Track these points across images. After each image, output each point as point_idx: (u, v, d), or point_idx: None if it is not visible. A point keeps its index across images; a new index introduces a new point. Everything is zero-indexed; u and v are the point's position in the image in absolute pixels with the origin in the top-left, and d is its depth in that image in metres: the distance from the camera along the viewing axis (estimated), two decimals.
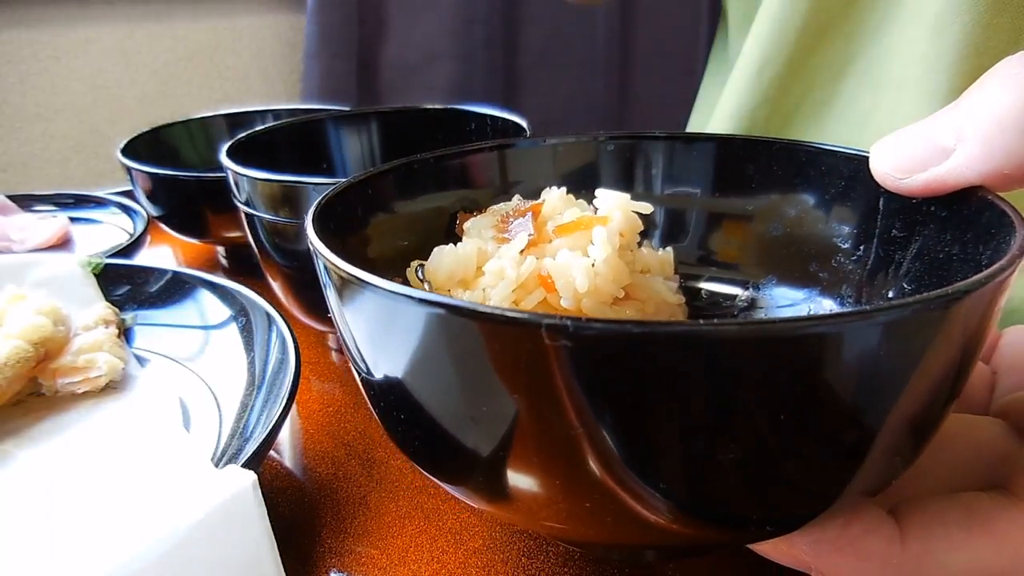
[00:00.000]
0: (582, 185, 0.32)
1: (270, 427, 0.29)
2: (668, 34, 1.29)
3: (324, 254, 0.21)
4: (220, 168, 0.41)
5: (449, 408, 0.20)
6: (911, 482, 0.24)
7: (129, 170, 0.57)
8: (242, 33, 1.15)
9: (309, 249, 0.22)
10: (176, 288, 0.43)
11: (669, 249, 0.31)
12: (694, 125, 0.74)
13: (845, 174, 0.29)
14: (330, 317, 0.24)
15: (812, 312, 0.30)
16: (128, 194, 0.64)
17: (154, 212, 0.58)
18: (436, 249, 0.28)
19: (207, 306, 0.41)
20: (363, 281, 0.19)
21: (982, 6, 0.41)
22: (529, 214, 0.28)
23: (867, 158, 0.26)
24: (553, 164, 0.34)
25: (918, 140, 0.24)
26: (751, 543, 0.23)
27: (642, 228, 0.29)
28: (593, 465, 0.18)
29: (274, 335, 0.36)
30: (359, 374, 0.23)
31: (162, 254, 0.66)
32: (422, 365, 0.19)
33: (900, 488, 0.23)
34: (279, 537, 0.25)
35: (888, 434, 0.19)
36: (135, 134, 0.64)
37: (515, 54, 1.25)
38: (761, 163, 0.31)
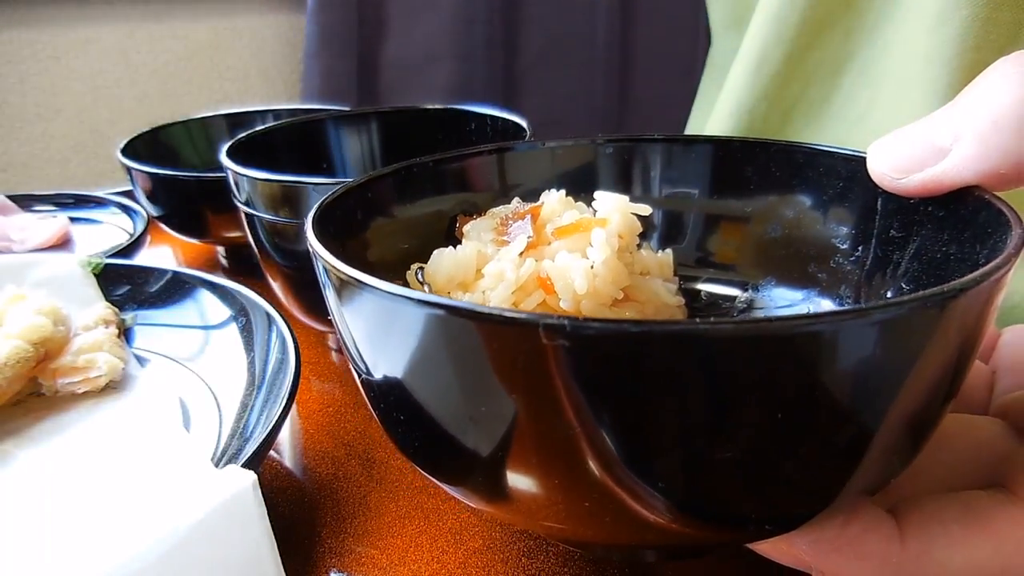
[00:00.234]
0: (581, 188, 0.32)
1: (270, 427, 0.29)
2: (668, 34, 1.29)
3: (324, 256, 0.21)
4: (220, 168, 0.41)
5: (448, 409, 0.20)
6: (910, 482, 0.24)
7: (129, 170, 0.57)
8: (242, 33, 1.15)
9: (309, 250, 0.22)
10: (176, 288, 0.43)
11: (668, 251, 0.31)
12: (693, 123, 0.74)
13: (843, 175, 0.29)
14: (330, 318, 0.24)
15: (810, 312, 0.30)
16: (128, 194, 0.64)
17: (154, 212, 0.58)
18: (436, 252, 0.28)
19: (207, 306, 0.41)
20: (362, 283, 0.19)
21: (981, 1, 0.41)
22: (528, 217, 0.29)
23: (864, 159, 0.26)
24: (552, 167, 0.34)
25: (915, 140, 0.24)
26: (750, 542, 0.23)
27: (641, 230, 0.29)
28: (592, 465, 0.18)
29: (274, 335, 0.36)
30: (359, 375, 0.23)
31: (162, 254, 0.66)
32: (422, 366, 0.20)
33: (899, 487, 0.23)
34: (279, 537, 0.25)
35: (886, 433, 0.19)
36: (135, 134, 0.64)
37: (515, 54, 1.25)
38: (759, 165, 0.31)
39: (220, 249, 0.64)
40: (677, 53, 1.29)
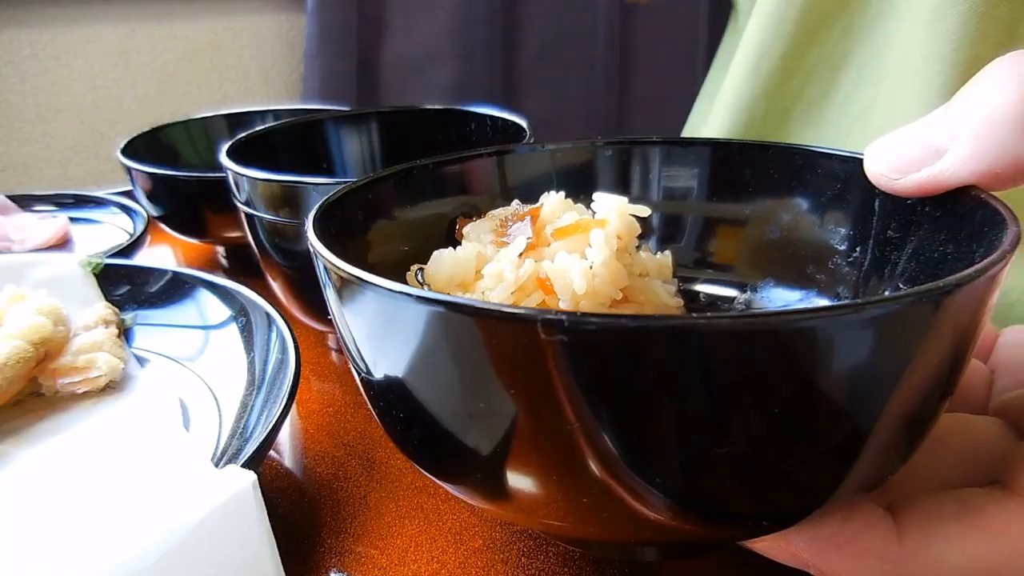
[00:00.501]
0: (580, 189, 0.32)
1: (270, 427, 0.29)
2: (668, 34, 1.29)
3: (325, 255, 0.21)
4: (220, 168, 0.41)
5: (448, 405, 0.20)
6: (909, 481, 0.24)
7: (129, 170, 0.57)
8: (242, 33, 1.15)
9: (309, 250, 0.22)
10: (176, 288, 0.43)
11: (667, 252, 0.31)
12: (695, 118, 0.74)
13: (840, 176, 0.29)
14: (330, 318, 0.24)
15: None
16: (128, 194, 0.64)
17: (154, 212, 0.58)
18: (436, 253, 0.28)
19: (207, 306, 0.41)
20: (363, 281, 0.19)
21: None
22: (528, 218, 0.29)
23: (862, 160, 0.26)
24: (551, 169, 0.34)
25: (912, 141, 0.24)
26: (749, 539, 0.23)
27: (640, 231, 0.29)
28: (590, 460, 0.18)
29: (274, 335, 0.36)
30: (359, 374, 0.23)
31: (162, 254, 0.66)
32: (421, 363, 0.20)
33: (898, 486, 0.23)
34: (279, 537, 0.25)
35: (883, 429, 0.19)
36: (135, 134, 0.64)
37: (515, 54, 1.25)
38: (757, 166, 0.32)
39: (220, 249, 0.64)
40: (677, 53, 1.30)
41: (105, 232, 0.63)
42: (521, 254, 0.27)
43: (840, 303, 0.19)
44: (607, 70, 1.29)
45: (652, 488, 0.18)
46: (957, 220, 0.24)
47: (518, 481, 0.20)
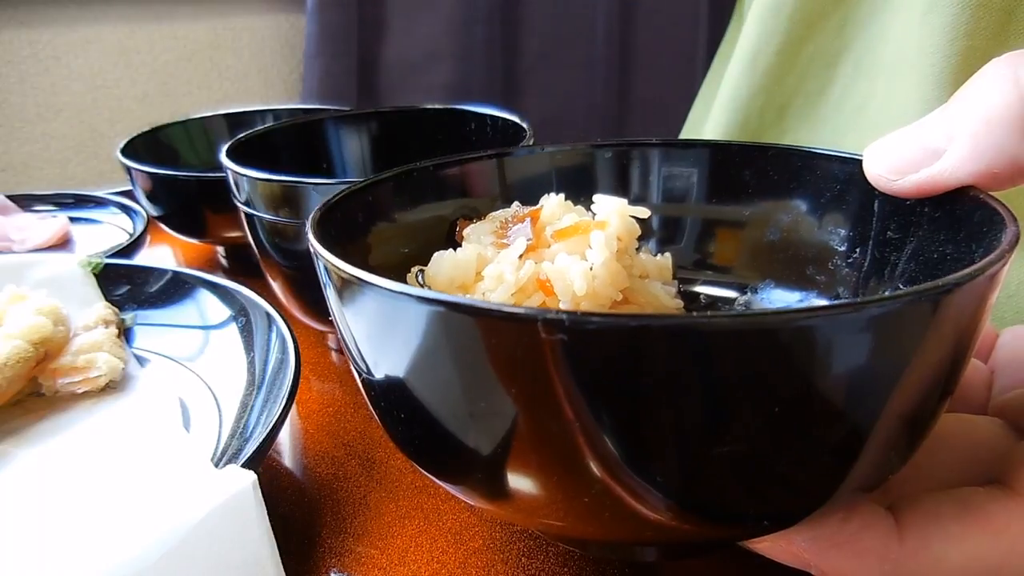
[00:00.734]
0: (580, 191, 0.32)
1: (270, 427, 0.29)
2: (668, 34, 1.29)
3: (325, 256, 0.21)
4: (220, 168, 0.41)
5: (449, 405, 0.20)
6: (909, 481, 0.24)
7: (129, 170, 0.57)
8: (242, 33, 1.15)
9: (310, 251, 0.23)
10: (176, 288, 0.43)
11: (667, 254, 0.31)
12: (695, 117, 0.74)
13: (840, 177, 0.29)
14: (330, 319, 0.24)
15: None
16: (128, 194, 0.64)
17: (154, 212, 0.58)
18: (436, 254, 0.28)
19: (207, 306, 0.41)
20: (364, 281, 0.19)
21: None
22: (528, 220, 0.29)
23: (861, 161, 0.27)
24: (551, 171, 0.34)
25: (910, 142, 0.24)
26: (750, 539, 0.23)
27: (640, 233, 0.29)
28: (591, 459, 0.18)
29: (274, 335, 0.36)
30: (359, 375, 0.23)
31: (162, 254, 0.66)
32: (422, 363, 0.20)
33: (898, 486, 0.23)
34: (279, 537, 0.25)
35: (883, 428, 0.19)
36: (135, 134, 0.64)
37: (515, 54, 1.25)
38: (756, 168, 0.32)
39: (220, 249, 0.64)
40: (677, 53, 1.29)
41: (105, 232, 0.63)
42: (521, 256, 0.27)
43: (840, 302, 0.19)
44: (607, 70, 1.29)
45: (653, 488, 0.19)
46: (956, 220, 0.24)
47: (519, 481, 0.20)
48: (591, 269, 0.26)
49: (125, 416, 0.34)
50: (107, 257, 0.45)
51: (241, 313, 0.39)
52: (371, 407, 0.24)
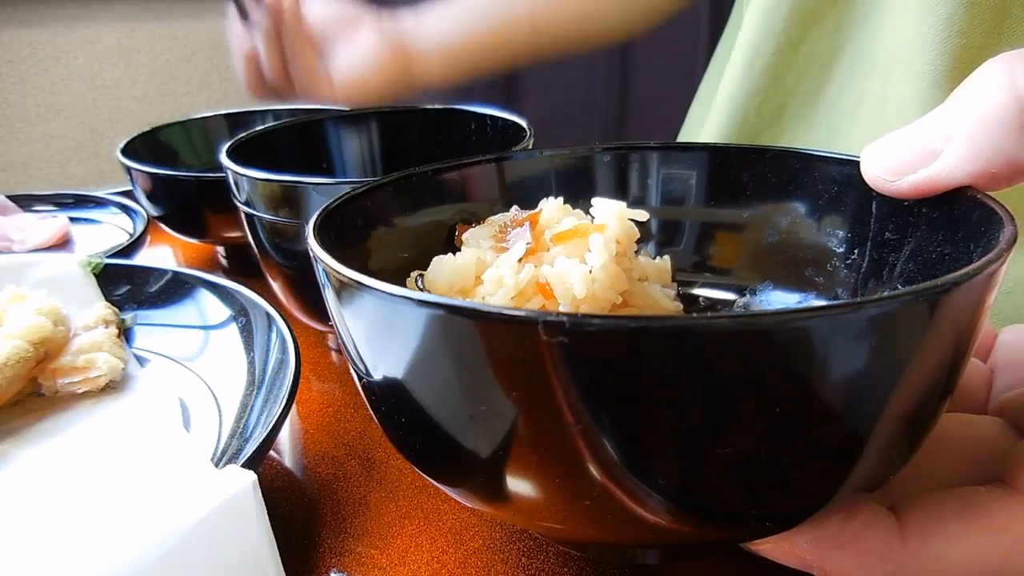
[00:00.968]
0: (579, 195, 0.32)
1: (270, 427, 0.29)
2: (668, 34, 1.29)
3: (325, 260, 0.21)
4: (220, 168, 0.41)
5: (449, 409, 0.20)
6: (910, 481, 0.24)
7: (129, 170, 0.57)
8: None
9: (310, 255, 0.23)
10: (176, 288, 0.43)
11: (666, 257, 0.31)
12: (693, 115, 0.74)
13: (837, 179, 0.29)
14: (331, 323, 0.24)
15: None
16: (128, 194, 0.64)
17: (154, 212, 0.58)
18: (435, 259, 0.28)
19: (207, 306, 0.41)
20: (363, 285, 0.19)
21: None
22: (527, 223, 0.29)
23: (858, 163, 0.27)
24: (550, 175, 0.34)
25: (907, 143, 0.24)
26: (751, 540, 0.23)
27: (638, 236, 0.29)
28: (592, 462, 0.18)
29: (274, 335, 0.36)
30: (359, 379, 0.23)
31: (162, 254, 0.66)
32: (422, 367, 0.20)
33: (899, 486, 0.23)
34: (279, 537, 0.25)
35: (884, 428, 0.19)
36: (135, 134, 0.64)
37: None
38: (755, 170, 0.32)
39: (220, 249, 0.64)
40: (677, 53, 1.30)
41: (105, 232, 0.63)
42: (521, 259, 0.27)
43: (838, 303, 0.19)
44: (607, 70, 1.29)
45: (654, 490, 0.19)
46: (954, 221, 0.24)
47: (519, 484, 0.20)
48: (590, 272, 0.26)
49: (125, 416, 0.35)
50: (107, 257, 0.45)
51: (241, 313, 0.39)
52: (371, 412, 0.24)
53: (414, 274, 0.30)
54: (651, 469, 0.18)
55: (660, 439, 0.18)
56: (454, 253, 0.29)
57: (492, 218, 0.31)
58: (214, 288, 0.42)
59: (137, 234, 0.54)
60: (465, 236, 0.31)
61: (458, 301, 0.18)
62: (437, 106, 0.54)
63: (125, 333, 0.41)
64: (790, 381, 0.17)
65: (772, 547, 0.23)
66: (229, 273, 0.61)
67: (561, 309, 0.26)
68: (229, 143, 0.44)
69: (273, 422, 0.29)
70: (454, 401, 0.20)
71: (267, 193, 0.38)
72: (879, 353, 0.17)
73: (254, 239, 0.41)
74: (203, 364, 0.38)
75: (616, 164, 0.34)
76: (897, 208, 0.27)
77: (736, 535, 0.23)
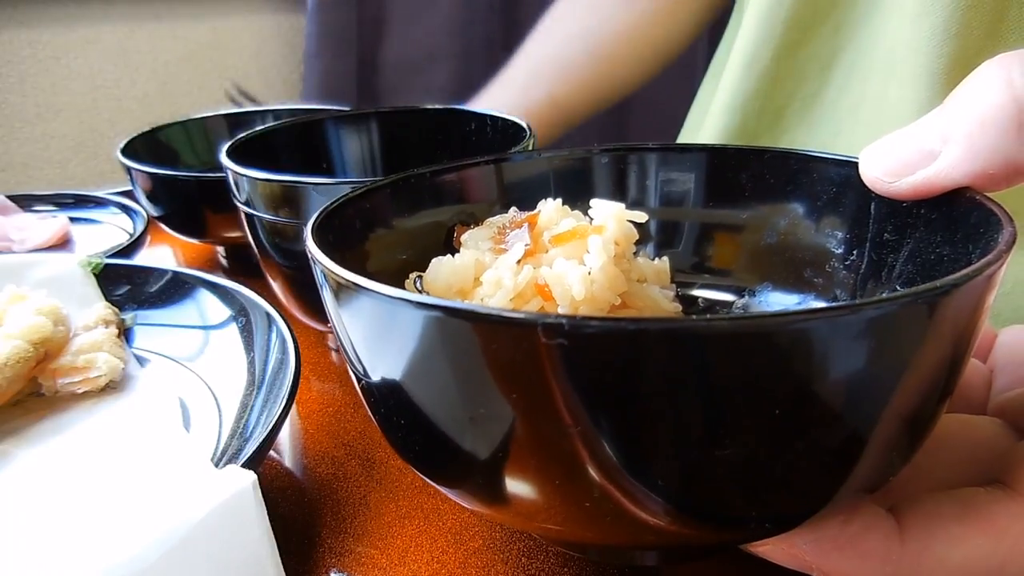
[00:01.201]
0: (577, 196, 0.32)
1: (270, 427, 0.29)
2: None
3: (323, 262, 0.21)
4: (220, 168, 0.41)
5: (448, 411, 0.20)
6: (910, 481, 0.24)
7: (129, 170, 0.57)
8: (242, 33, 1.15)
9: (308, 257, 0.23)
10: (176, 288, 0.43)
11: (665, 258, 0.31)
12: (693, 118, 0.74)
13: (836, 180, 0.29)
14: (330, 325, 0.24)
15: None
16: (128, 194, 0.64)
17: (154, 212, 0.58)
18: (434, 260, 0.28)
19: (207, 306, 0.41)
20: (361, 287, 0.19)
21: None
22: (525, 225, 0.29)
23: (857, 164, 0.27)
24: (548, 176, 0.34)
25: (906, 144, 0.24)
26: (751, 542, 0.23)
27: (637, 237, 0.29)
28: (591, 464, 0.18)
29: (274, 335, 0.36)
30: (358, 381, 0.23)
31: (162, 254, 0.66)
32: (421, 369, 0.20)
33: (899, 487, 0.23)
34: (279, 537, 0.25)
35: (883, 430, 0.19)
36: (135, 134, 0.64)
37: (515, 54, 1.25)
38: (753, 172, 0.32)
39: (220, 249, 0.64)
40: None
41: (105, 232, 0.63)
42: (519, 261, 0.27)
43: (837, 304, 0.19)
44: None
45: (653, 492, 0.19)
46: (953, 222, 0.24)
47: (519, 486, 0.20)
48: (589, 274, 0.26)
49: (125, 416, 0.35)
50: (107, 257, 0.45)
51: (241, 313, 0.39)
52: (370, 413, 0.24)
53: (413, 275, 0.30)
54: (650, 471, 0.18)
55: (659, 441, 0.18)
56: (453, 255, 0.29)
57: (491, 219, 0.31)
58: (214, 288, 0.42)
59: (137, 234, 0.54)
60: (464, 237, 0.31)
61: (456, 303, 0.18)
62: (437, 106, 0.54)
63: (125, 333, 0.41)
64: (789, 383, 0.17)
65: (772, 549, 0.23)
66: (229, 273, 0.61)
67: (560, 311, 0.26)
68: (229, 143, 0.44)
69: (273, 422, 0.29)
70: (453, 403, 0.20)
71: (267, 193, 0.38)
72: (878, 355, 0.17)
73: (254, 239, 0.41)
74: (203, 364, 0.38)
75: (615, 165, 0.34)
76: (896, 209, 0.27)
77: (736, 537, 0.23)
